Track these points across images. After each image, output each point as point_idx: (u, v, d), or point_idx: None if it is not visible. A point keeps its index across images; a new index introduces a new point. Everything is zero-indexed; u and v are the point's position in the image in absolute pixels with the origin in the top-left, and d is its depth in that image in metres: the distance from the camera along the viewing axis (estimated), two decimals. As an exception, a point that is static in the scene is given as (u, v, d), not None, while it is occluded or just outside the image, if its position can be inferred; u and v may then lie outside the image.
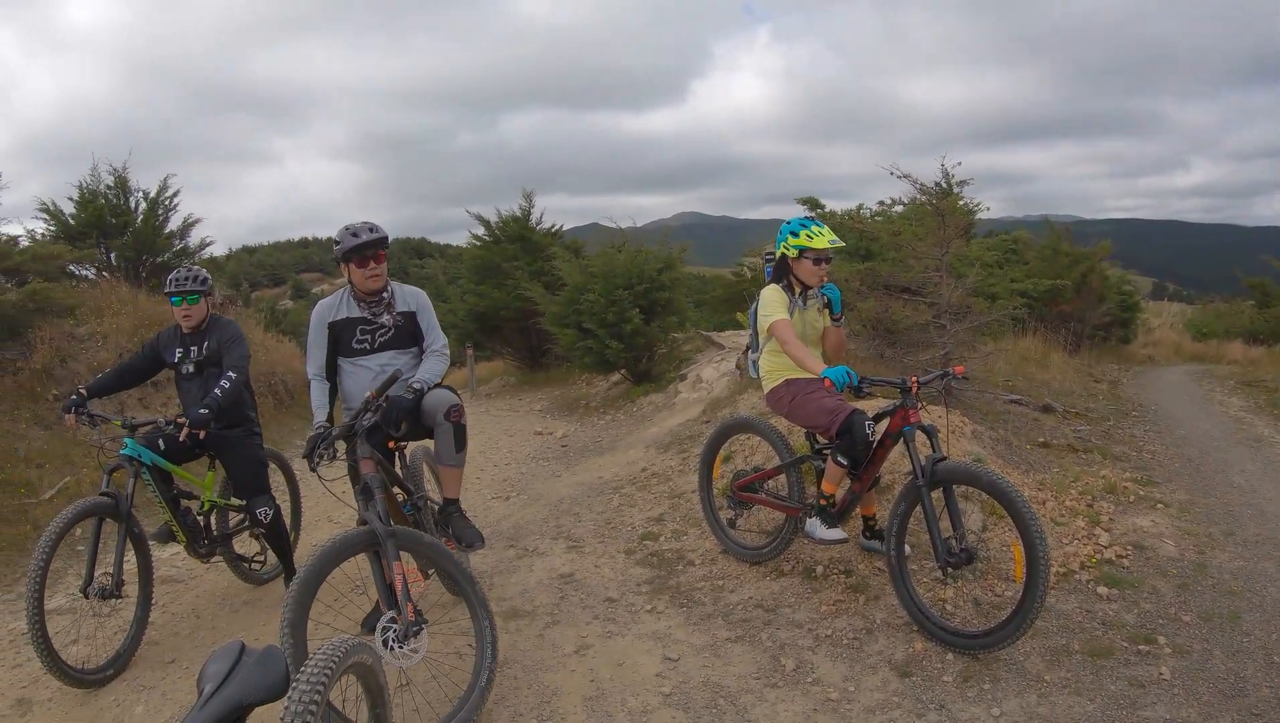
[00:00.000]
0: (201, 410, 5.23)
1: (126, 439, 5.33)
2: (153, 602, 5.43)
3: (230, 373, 5.48)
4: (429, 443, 5.11)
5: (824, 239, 5.12)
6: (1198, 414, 12.01)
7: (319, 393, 4.89)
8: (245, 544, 6.35)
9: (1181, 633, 4.79)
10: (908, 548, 5.00)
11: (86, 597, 5.04)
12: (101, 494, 5.11)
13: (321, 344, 4.93)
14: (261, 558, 6.36)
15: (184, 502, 5.70)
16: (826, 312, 5.33)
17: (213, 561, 6.05)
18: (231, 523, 6.24)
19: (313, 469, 4.20)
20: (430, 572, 4.74)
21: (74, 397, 5.43)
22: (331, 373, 4.98)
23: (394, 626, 3.85)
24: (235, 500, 6.03)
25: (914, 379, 4.80)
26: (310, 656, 2.37)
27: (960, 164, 9.63)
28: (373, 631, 3.95)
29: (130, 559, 5.20)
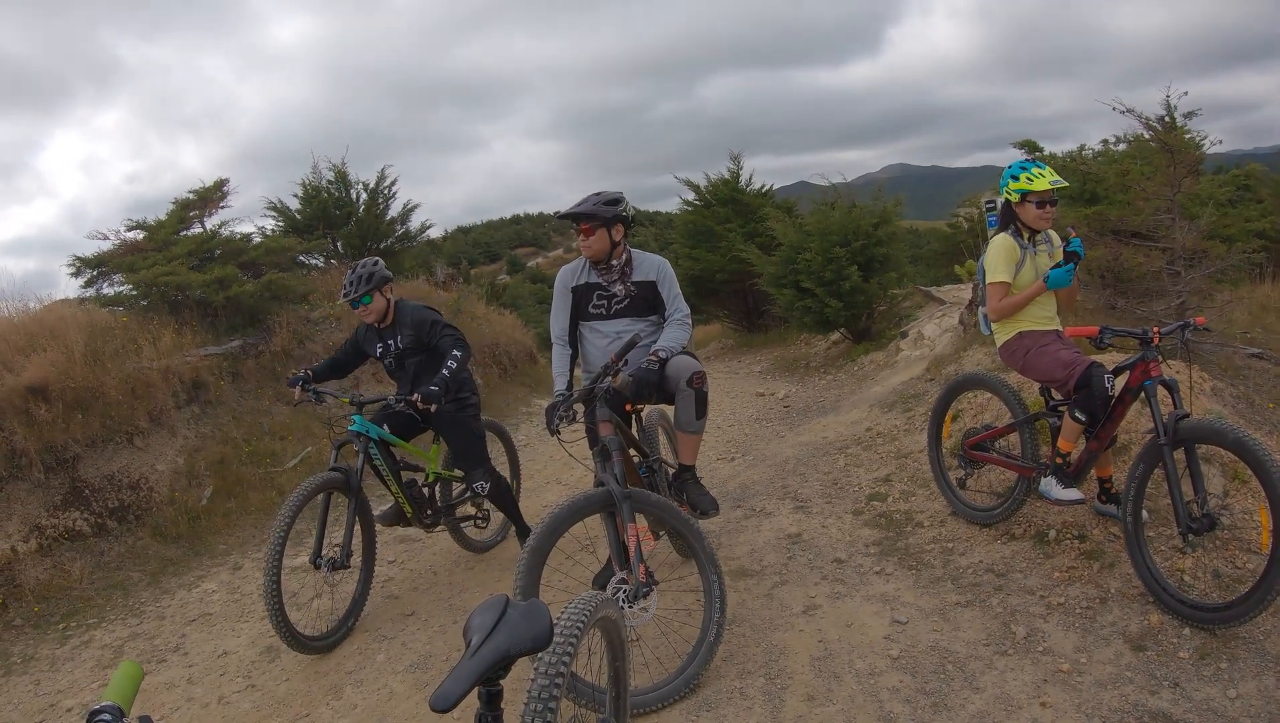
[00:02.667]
0: (433, 387, 5.45)
1: (355, 416, 5.64)
2: (374, 576, 5.77)
3: (455, 352, 5.70)
4: (664, 407, 5.22)
5: (1045, 180, 4.92)
6: None
7: (560, 359, 5.05)
8: (468, 513, 6.57)
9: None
10: (1146, 514, 4.78)
11: (316, 568, 5.35)
12: (331, 470, 5.40)
13: (564, 307, 5.09)
14: (483, 523, 6.59)
15: (409, 475, 5.99)
16: (1059, 255, 5.11)
17: (438, 530, 6.30)
18: (454, 494, 6.45)
19: (553, 433, 4.34)
20: (661, 532, 4.85)
21: (301, 374, 5.84)
22: (574, 338, 5.13)
23: (625, 585, 3.96)
24: (456, 472, 6.28)
25: (1155, 330, 4.60)
26: (564, 608, 2.48)
27: (1186, 94, 9.02)
28: (603, 589, 4.08)
29: (356, 533, 5.48)
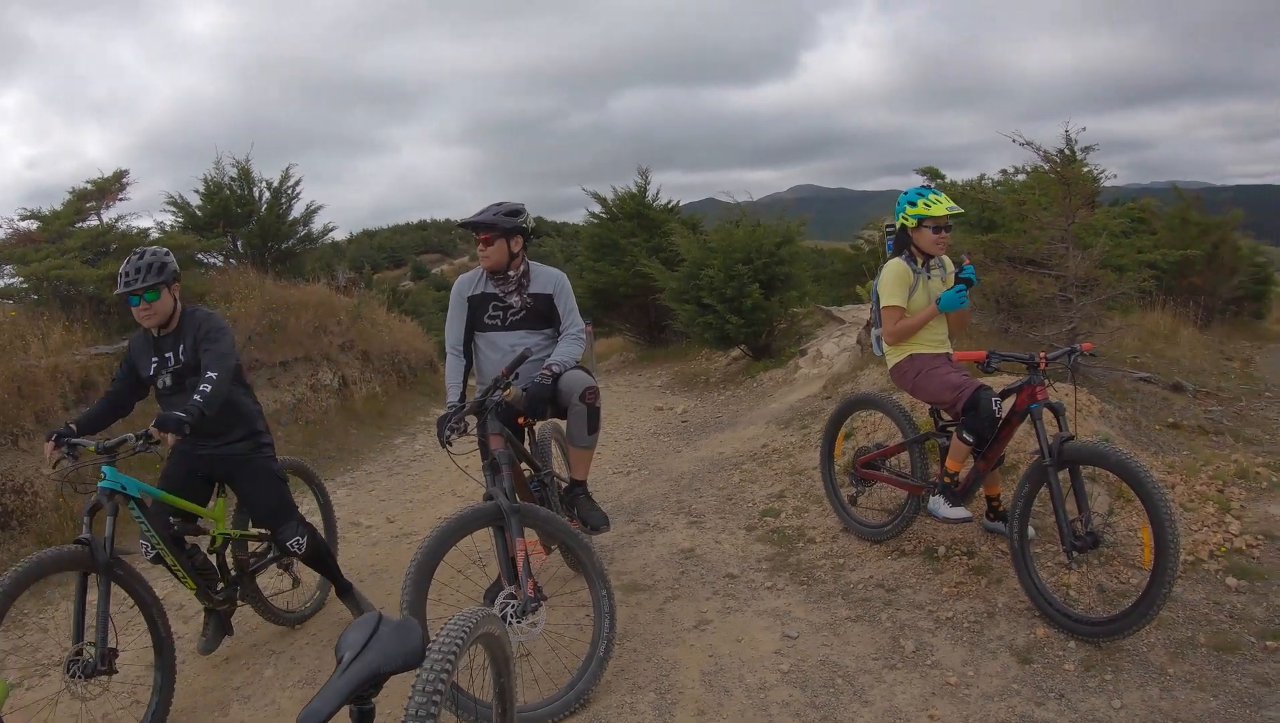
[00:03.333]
0: (177, 413, 4.26)
1: (105, 468, 4.33)
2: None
3: (210, 374, 4.50)
4: (558, 421, 5.18)
5: (942, 206, 5.04)
6: None
7: (454, 370, 4.99)
8: (274, 579, 5.66)
9: (1312, 631, 4.60)
10: (1032, 531, 4.91)
11: (70, 676, 4.06)
12: (76, 542, 4.13)
13: (460, 317, 5.04)
14: (294, 589, 5.63)
15: (189, 540, 4.81)
16: (951, 280, 5.22)
17: (237, 606, 5.13)
18: (254, 557, 5.28)
19: (444, 444, 4.29)
20: (552, 547, 4.81)
21: (60, 428, 4.47)
22: (469, 349, 5.07)
23: (513, 601, 3.92)
24: (255, 530, 5.24)
25: (1041, 355, 4.72)
26: (444, 624, 2.44)
27: (1085, 129, 9.33)
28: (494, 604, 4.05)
29: (137, 619, 4.51)
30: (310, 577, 5.73)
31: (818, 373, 11.36)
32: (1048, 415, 4.63)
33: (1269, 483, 6.68)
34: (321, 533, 5.42)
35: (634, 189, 19.55)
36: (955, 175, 13.78)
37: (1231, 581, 5.02)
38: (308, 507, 6.33)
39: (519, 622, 3.88)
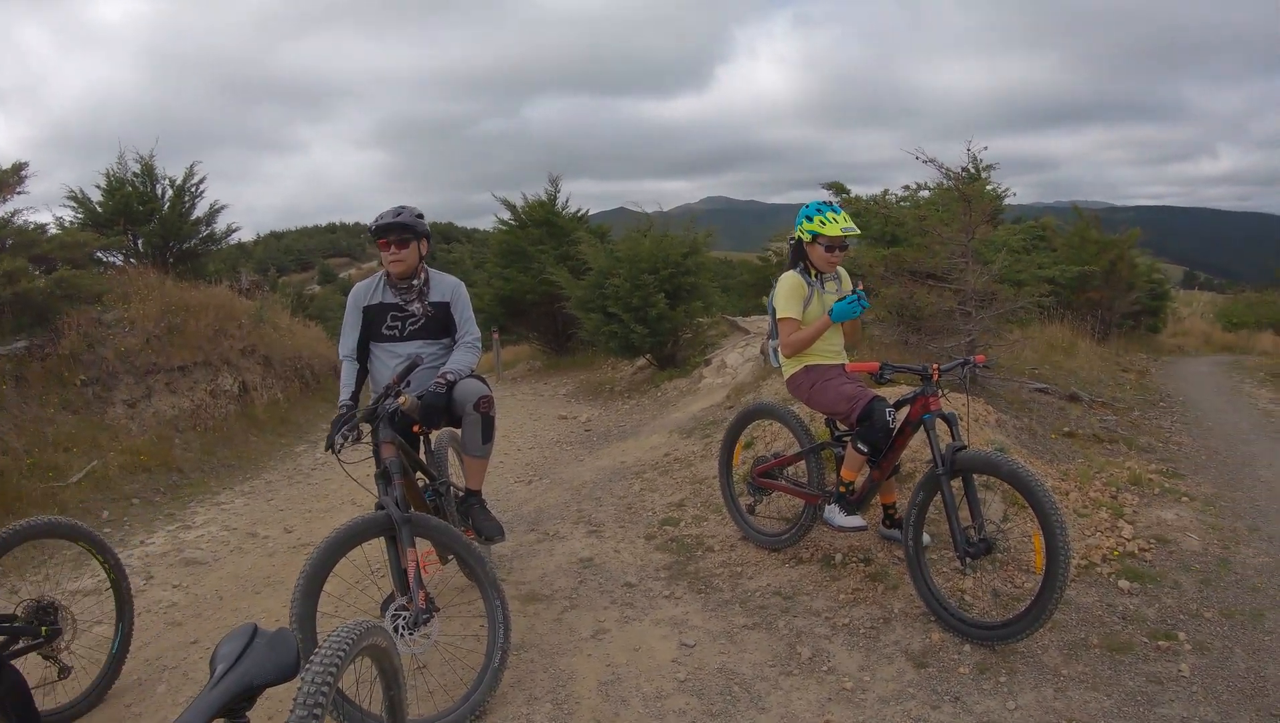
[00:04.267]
0: None
1: None
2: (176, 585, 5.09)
3: None
4: (455, 430, 5.13)
5: (837, 226, 5.08)
6: (1226, 406, 11.90)
7: (348, 373, 4.93)
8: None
9: (1202, 630, 4.75)
10: (927, 538, 5.00)
11: None
12: None
13: (355, 325, 4.98)
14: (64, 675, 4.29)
15: None
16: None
17: None
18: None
19: (332, 452, 4.22)
20: (450, 557, 4.76)
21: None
22: (364, 355, 5.01)
23: (405, 612, 3.87)
24: None
25: (935, 366, 4.79)
26: (327, 637, 2.40)
27: (986, 149, 9.55)
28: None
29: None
30: (93, 651, 4.58)
31: (721, 383, 11.44)
32: (941, 425, 4.73)
33: (1161, 489, 6.91)
34: (120, 614, 4.62)
35: (544, 196, 19.50)
36: (861, 190, 14.07)
37: (1124, 583, 5.18)
38: (92, 581, 5.69)
39: (411, 634, 3.82)
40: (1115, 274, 19.11)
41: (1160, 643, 4.55)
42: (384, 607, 4.21)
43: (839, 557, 5.45)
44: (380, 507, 4.10)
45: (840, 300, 5.10)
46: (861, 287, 5.18)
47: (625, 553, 5.91)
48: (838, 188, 14.40)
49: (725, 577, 5.44)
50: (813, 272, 5.24)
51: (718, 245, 15.70)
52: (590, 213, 20.94)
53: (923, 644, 4.54)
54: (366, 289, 5.01)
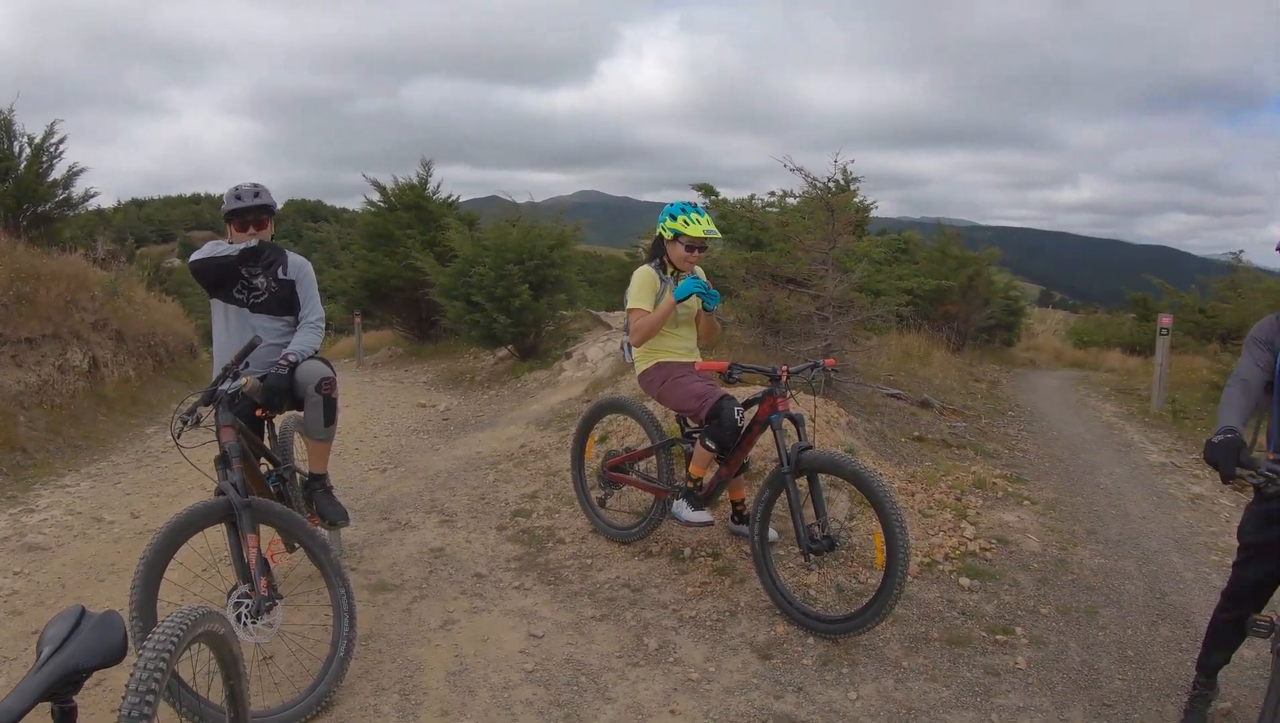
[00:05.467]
0: None
1: None
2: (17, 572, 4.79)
3: None
4: (300, 413, 5.06)
5: (700, 228, 5.18)
6: (1071, 417, 12.49)
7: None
8: None
9: (1039, 625, 5.01)
10: (774, 534, 5.13)
11: None
12: None
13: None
14: None
15: None
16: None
17: None
18: None
19: (174, 438, 4.06)
20: (297, 545, 4.69)
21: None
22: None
23: (247, 600, 3.79)
24: None
25: (784, 368, 4.91)
26: (161, 622, 2.36)
27: (854, 161, 9.81)
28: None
29: None
30: None
31: (581, 376, 11.50)
32: (788, 426, 4.84)
33: (1004, 493, 7.24)
34: None
35: (415, 180, 19.22)
36: (730, 193, 14.26)
37: (965, 581, 5.43)
38: None
39: (254, 623, 3.75)
40: (973, 289, 19.79)
41: (998, 637, 4.80)
42: (229, 595, 4.14)
43: (688, 551, 5.56)
44: (220, 492, 4.00)
45: (687, 279, 5.17)
46: (711, 286, 5.27)
47: (476, 543, 5.92)
48: (706, 189, 14.61)
49: (575, 569, 5.50)
50: (669, 269, 5.33)
51: (587, 239, 15.76)
52: (461, 200, 20.69)
53: (768, 637, 4.67)
54: (219, 247, 4.82)
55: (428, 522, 6.34)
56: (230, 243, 4.77)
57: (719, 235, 5.39)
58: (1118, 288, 31.36)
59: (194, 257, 4.80)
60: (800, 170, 9.33)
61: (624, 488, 5.97)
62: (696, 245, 5.24)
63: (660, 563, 5.52)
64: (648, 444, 5.70)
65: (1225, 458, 3.22)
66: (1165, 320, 13.87)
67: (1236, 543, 4.01)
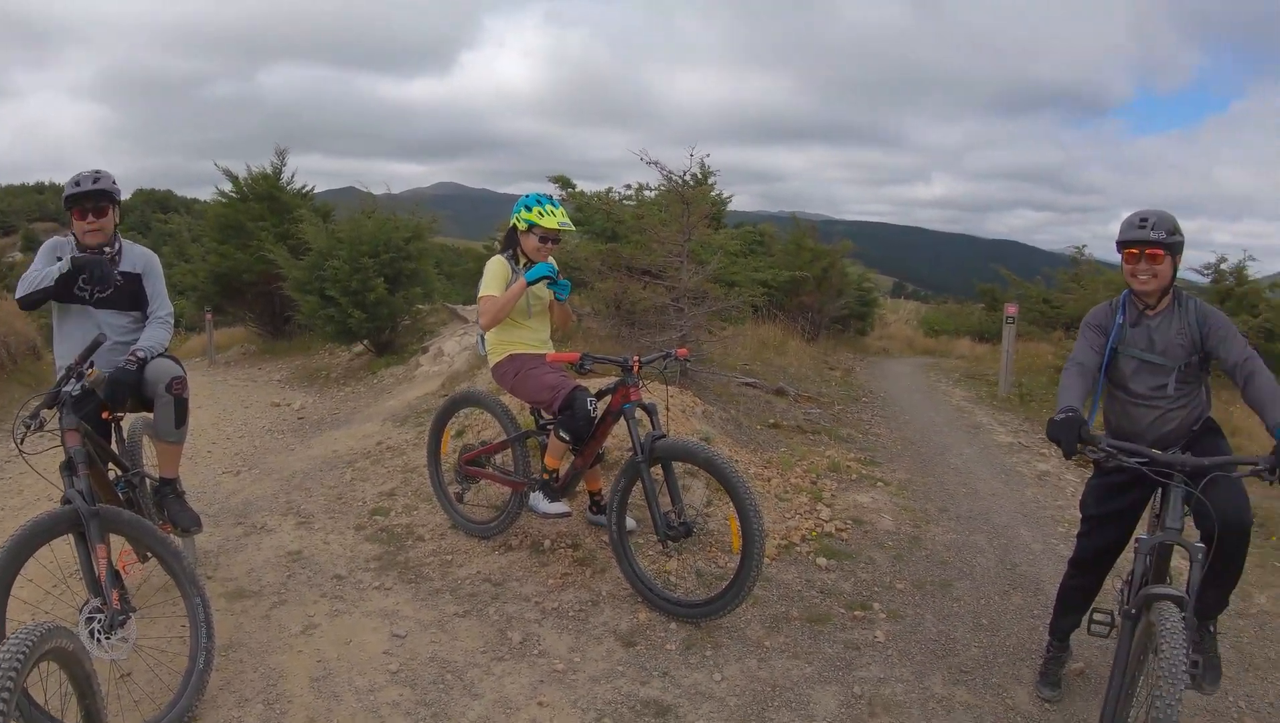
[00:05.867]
0: None
1: None
2: None
3: None
4: (148, 415, 4.88)
5: (554, 220, 5.26)
6: (923, 402, 13.00)
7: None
8: None
9: (896, 600, 5.26)
10: (632, 522, 5.27)
11: None
12: None
13: (49, 264, 4.54)
14: None
15: None
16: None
17: None
18: None
19: (17, 444, 3.88)
20: (150, 554, 4.59)
21: None
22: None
23: (99, 615, 3.66)
24: None
25: (635, 358, 5.01)
26: (5, 640, 2.32)
27: (709, 155, 9.95)
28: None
29: None
30: None
31: (438, 371, 11.42)
32: (641, 415, 4.95)
33: (858, 475, 7.53)
34: None
35: (269, 169, 18.63)
36: (588, 185, 14.31)
37: (822, 561, 5.65)
38: None
39: (107, 638, 3.63)
40: (827, 280, 20.42)
41: (856, 613, 5.03)
42: (81, 610, 4.03)
43: (547, 543, 5.64)
44: (66, 501, 3.84)
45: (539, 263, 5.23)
46: (563, 276, 5.34)
47: (335, 544, 5.88)
48: (563, 182, 14.65)
49: (436, 566, 5.52)
50: (522, 260, 5.37)
51: (445, 231, 15.65)
52: (317, 190, 20.22)
53: (631, 624, 4.79)
54: (60, 244, 4.66)
55: (284, 524, 6.26)
56: (72, 234, 4.63)
57: (573, 228, 5.48)
58: (968, 279, 32.88)
59: (18, 292, 4.55)
60: (656, 164, 9.45)
61: (481, 482, 6.02)
62: (551, 237, 5.32)
63: (521, 556, 5.58)
64: (503, 438, 5.74)
65: (1066, 435, 3.50)
66: (1011, 310, 14.69)
67: (1080, 515, 4.32)
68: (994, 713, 4.25)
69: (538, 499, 5.34)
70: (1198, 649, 4.02)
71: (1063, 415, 3.57)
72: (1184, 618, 3.17)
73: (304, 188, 19.37)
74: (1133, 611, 3.41)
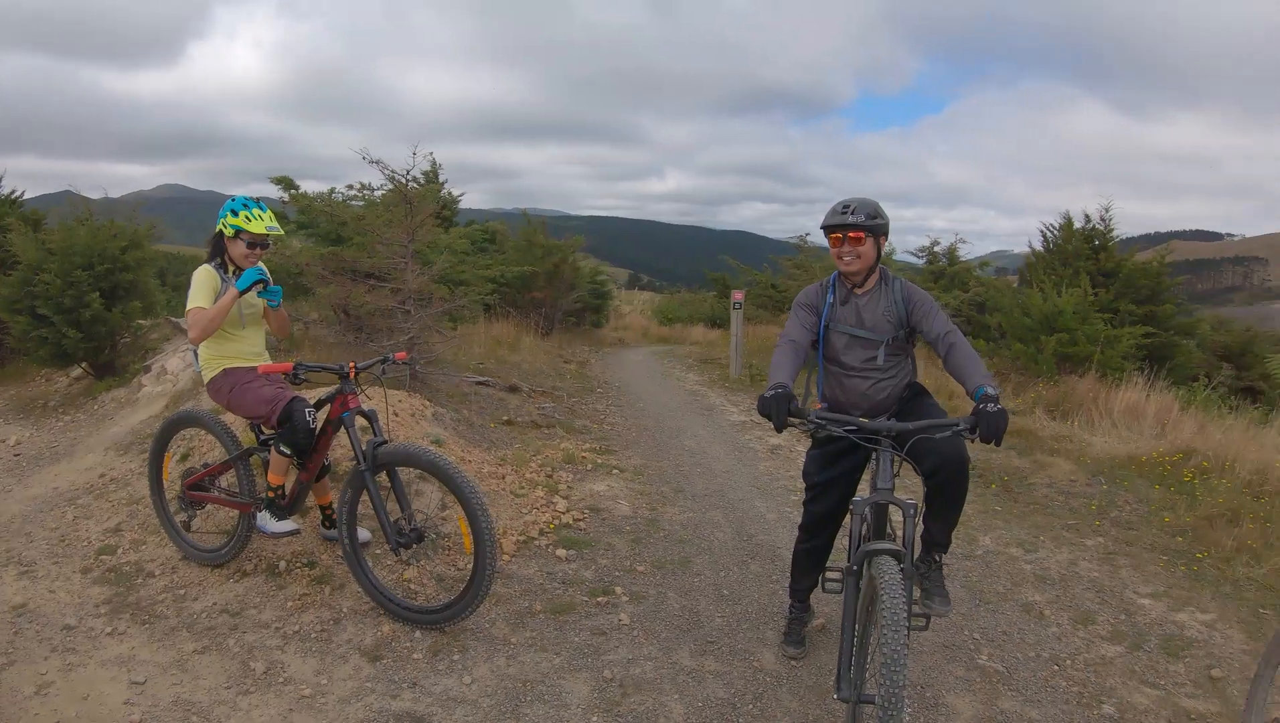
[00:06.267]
0: None
1: None
2: None
3: None
4: None
5: (261, 224, 5.14)
6: (657, 389, 13.49)
7: None
8: None
9: (638, 582, 5.51)
10: (366, 534, 5.29)
11: None
12: None
13: None
14: None
15: None
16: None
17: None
18: None
19: None
20: None
21: None
22: None
23: None
24: None
25: (352, 364, 5.01)
26: None
27: (432, 152, 9.92)
28: None
29: None
30: None
31: (161, 391, 10.85)
32: (362, 422, 4.97)
33: (594, 465, 7.77)
34: None
35: (-30, 173, 16.83)
36: (315, 186, 13.89)
37: (561, 552, 5.84)
38: None
39: None
40: (559, 275, 20.84)
41: (600, 599, 5.24)
42: None
43: (283, 564, 5.54)
44: None
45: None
46: (273, 282, 5.25)
47: (61, 592, 5.56)
48: (286, 183, 14.19)
49: (169, 602, 5.34)
50: (230, 268, 5.24)
51: (169, 238, 14.84)
52: (30, 195, 18.62)
53: (375, 638, 4.81)
54: None
55: (5, 575, 5.85)
56: None
57: (282, 231, 5.38)
58: (700, 270, 34.47)
59: None
60: (378, 163, 9.36)
61: (208, 507, 5.87)
62: (259, 242, 5.19)
63: (257, 581, 5.47)
64: (225, 457, 5.61)
65: (776, 410, 3.77)
66: (738, 296, 15.70)
67: (804, 484, 4.66)
68: (743, 676, 4.55)
69: (266, 519, 5.26)
70: (926, 578, 4.47)
71: (772, 392, 3.82)
72: (902, 569, 3.48)
73: (12, 193, 17.87)
74: (855, 567, 3.72)
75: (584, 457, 8.12)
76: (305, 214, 12.02)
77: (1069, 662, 4.96)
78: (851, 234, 4.22)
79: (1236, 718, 4.42)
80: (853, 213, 4.20)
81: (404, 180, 9.57)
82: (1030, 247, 18.14)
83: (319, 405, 5.13)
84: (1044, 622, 5.44)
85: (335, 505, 5.52)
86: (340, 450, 5.99)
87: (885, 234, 4.36)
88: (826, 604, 5.16)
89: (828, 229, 4.30)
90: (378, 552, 5.50)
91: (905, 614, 3.24)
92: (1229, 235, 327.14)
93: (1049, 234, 17.63)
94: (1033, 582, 6.04)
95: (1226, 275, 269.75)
